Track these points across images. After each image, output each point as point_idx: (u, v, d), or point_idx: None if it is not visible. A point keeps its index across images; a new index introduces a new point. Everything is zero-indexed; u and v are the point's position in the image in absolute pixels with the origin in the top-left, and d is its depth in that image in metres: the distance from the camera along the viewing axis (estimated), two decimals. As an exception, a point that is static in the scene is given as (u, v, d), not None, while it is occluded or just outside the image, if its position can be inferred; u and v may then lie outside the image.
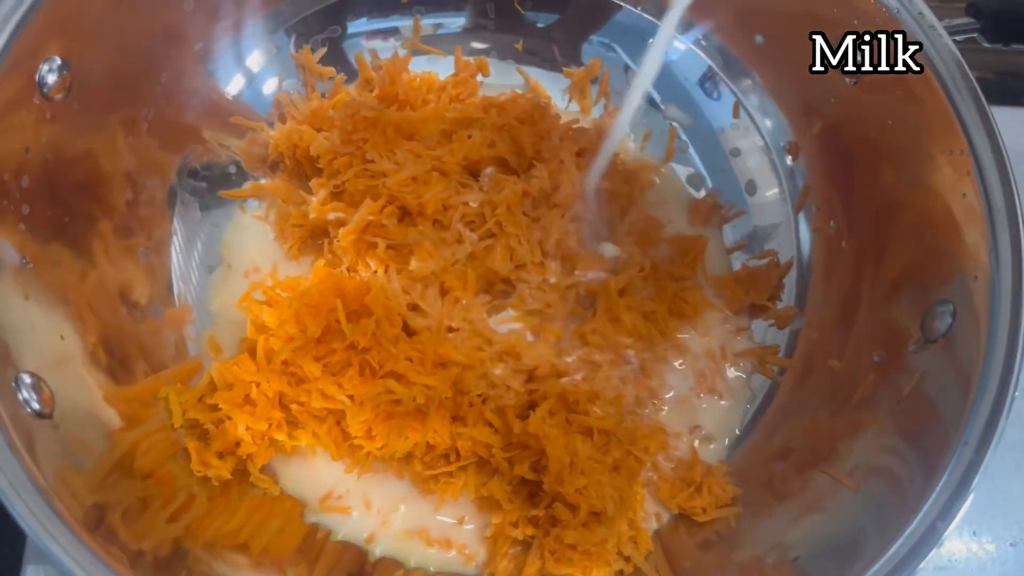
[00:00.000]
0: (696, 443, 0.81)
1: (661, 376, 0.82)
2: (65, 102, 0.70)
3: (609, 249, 0.86)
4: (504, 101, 0.87)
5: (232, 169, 0.88)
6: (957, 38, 0.75)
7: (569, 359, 0.80)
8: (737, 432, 0.82)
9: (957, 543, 0.86)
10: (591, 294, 0.82)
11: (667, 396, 0.82)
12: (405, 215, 0.82)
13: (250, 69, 0.88)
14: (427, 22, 0.95)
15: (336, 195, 0.82)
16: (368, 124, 0.83)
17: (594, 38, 0.95)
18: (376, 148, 0.82)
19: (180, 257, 0.83)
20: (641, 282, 0.84)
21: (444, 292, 0.78)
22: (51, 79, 0.68)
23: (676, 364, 0.83)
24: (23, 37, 0.65)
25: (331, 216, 0.81)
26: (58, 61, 0.69)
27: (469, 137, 0.84)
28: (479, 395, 0.74)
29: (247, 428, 0.73)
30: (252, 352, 0.75)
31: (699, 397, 0.82)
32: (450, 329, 0.77)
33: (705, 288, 0.87)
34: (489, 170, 0.83)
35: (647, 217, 0.88)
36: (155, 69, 0.80)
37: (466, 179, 0.83)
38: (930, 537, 0.59)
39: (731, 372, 0.84)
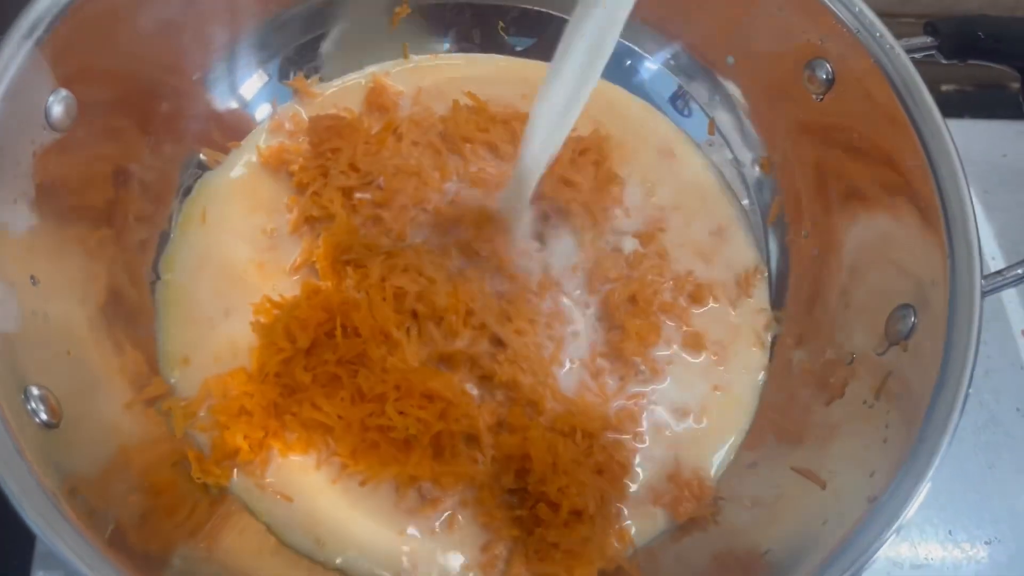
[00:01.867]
0: (697, 443, 0.83)
1: (665, 376, 0.85)
2: (71, 130, 0.74)
3: (628, 243, 0.90)
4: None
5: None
6: (915, 56, 0.79)
7: (570, 375, 0.84)
8: (740, 430, 0.85)
9: (933, 543, 0.90)
10: (605, 303, 0.86)
11: (667, 397, 0.84)
12: (378, 221, 0.86)
13: (243, 96, 0.92)
14: (413, 49, 0.98)
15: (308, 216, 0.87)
16: (333, 134, 0.86)
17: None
18: (346, 158, 0.85)
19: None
20: (658, 276, 0.87)
21: (438, 318, 0.80)
22: (57, 110, 0.72)
23: (688, 358, 0.86)
24: (31, 68, 0.69)
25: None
26: (63, 92, 0.73)
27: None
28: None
29: (245, 437, 0.76)
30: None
31: (704, 395, 0.85)
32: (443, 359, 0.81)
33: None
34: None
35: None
36: (157, 96, 0.85)
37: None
38: (889, 522, 0.62)
39: (736, 366, 0.87)
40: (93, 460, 0.68)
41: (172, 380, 0.81)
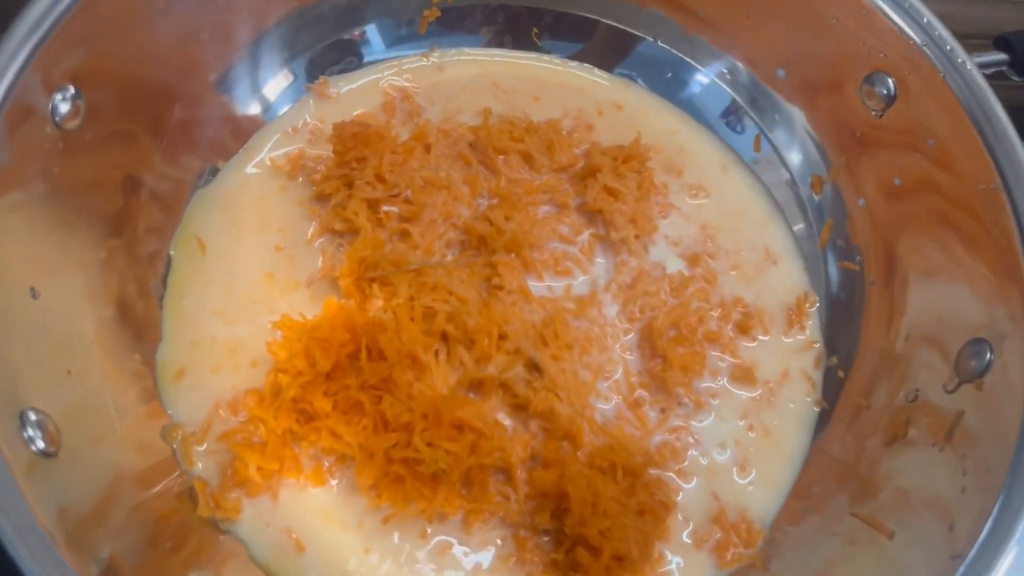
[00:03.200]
0: (745, 484, 0.77)
1: (709, 409, 0.79)
2: (78, 131, 0.69)
3: (673, 263, 0.84)
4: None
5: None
6: (986, 72, 0.74)
7: (608, 405, 0.78)
8: (791, 469, 0.78)
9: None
10: (647, 330, 0.80)
11: (711, 433, 0.78)
12: (406, 236, 0.80)
13: (267, 97, 0.87)
14: (443, 51, 0.93)
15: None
16: (358, 142, 0.81)
17: (617, 69, 0.94)
18: (372, 168, 0.80)
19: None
20: (704, 303, 0.82)
21: (469, 341, 0.75)
22: (64, 108, 0.67)
23: (735, 392, 0.80)
24: (37, 64, 0.64)
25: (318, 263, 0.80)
26: (72, 90, 0.67)
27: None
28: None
29: (258, 468, 0.70)
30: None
31: (750, 433, 0.79)
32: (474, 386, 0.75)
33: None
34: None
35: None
36: (170, 99, 0.79)
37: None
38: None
39: (786, 403, 0.81)
40: (92, 492, 0.62)
41: (167, 393, 0.75)
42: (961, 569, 0.57)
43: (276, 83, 0.87)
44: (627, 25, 0.92)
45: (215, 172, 0.84)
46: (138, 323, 0.74)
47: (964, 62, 0.73)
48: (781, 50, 0.86)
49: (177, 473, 0.71)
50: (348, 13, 0.88)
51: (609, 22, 0.93)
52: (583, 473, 0.71)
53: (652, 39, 0.93)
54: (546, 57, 0.95)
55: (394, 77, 0.92)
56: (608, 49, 0.93)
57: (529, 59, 0.95)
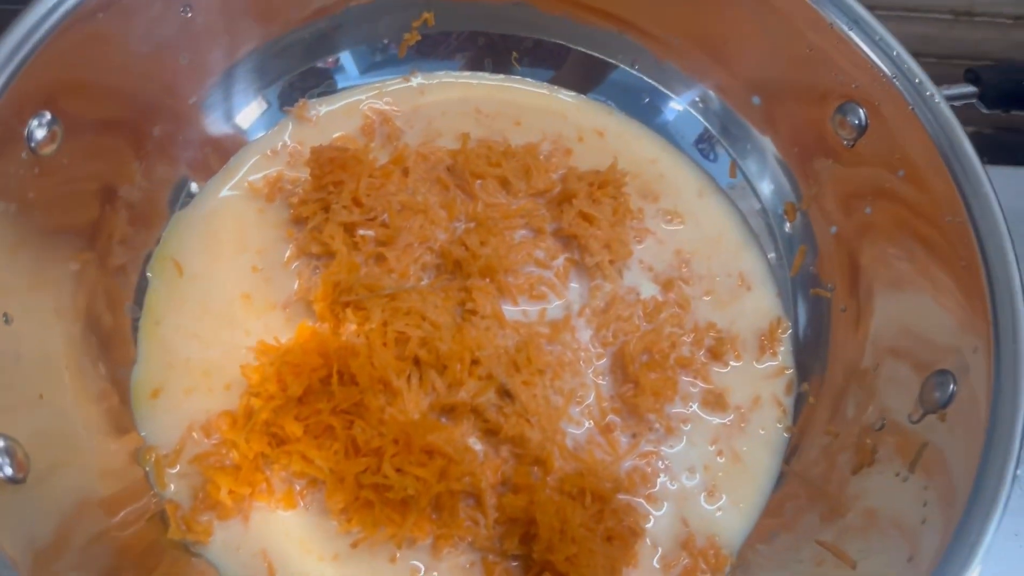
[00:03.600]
0: (713, 510, 0.78)
1: (680, 435, 0.80)
2: (54, 157, 0.69)
3: (647, 288, 0.85)
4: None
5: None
6: (955, 104, 0.75)
7: (580, 430, 0.78)
8: (760, 496, 0.79)
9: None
10: (619, 355, 0.81)
11: (682, 459, 0.79)
12: (381, 260, 0.81)
13: (240, 125, 0.88)
14: (425, 75, 0.94)
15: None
16: (336, 166, 0.81)
17: (591, 95, 0.95)
18: (349, 192, 0.81)
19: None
20: (677, 328, 0.83)
21: (441, 366, 0.75)
22: (40, 134, 0.67)
23: (706, 417, 0.81)
24: (14, 91, 0.64)
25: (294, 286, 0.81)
26: (47, 116, 0.68)
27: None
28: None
29: (229, 492, 0.71)
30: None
31: (720, 459, 0.79)
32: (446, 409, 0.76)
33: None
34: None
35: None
36: (148, 122, 0.80)
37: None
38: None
39: (756, 428, 0.81)
40: (60, 518, 0.62)
41: (140, 414, 0.75)
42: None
43: (250, 110, 0.88)
44: (601, 52, 0.93)
45: (191, 193, 0.84)
46: (109, 342, 0.75)
47: (932, 95, 0.73)
48: (755, 79, 0.87)
49: (145, 499, 0.71)
50: (321, 40, 0.89)
51: (583, 49, 0.93)
52: (552, 499, 0.71)
53: (626, 66, 0.93)
54: (530, 81, 0.95)
55: (374, 100, 0.92)
56: (582, 75, 0.94)
57: (512, 83, 0.96)
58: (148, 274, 0.81)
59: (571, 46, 0.93)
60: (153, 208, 0.82)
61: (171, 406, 0.75)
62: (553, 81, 0.95)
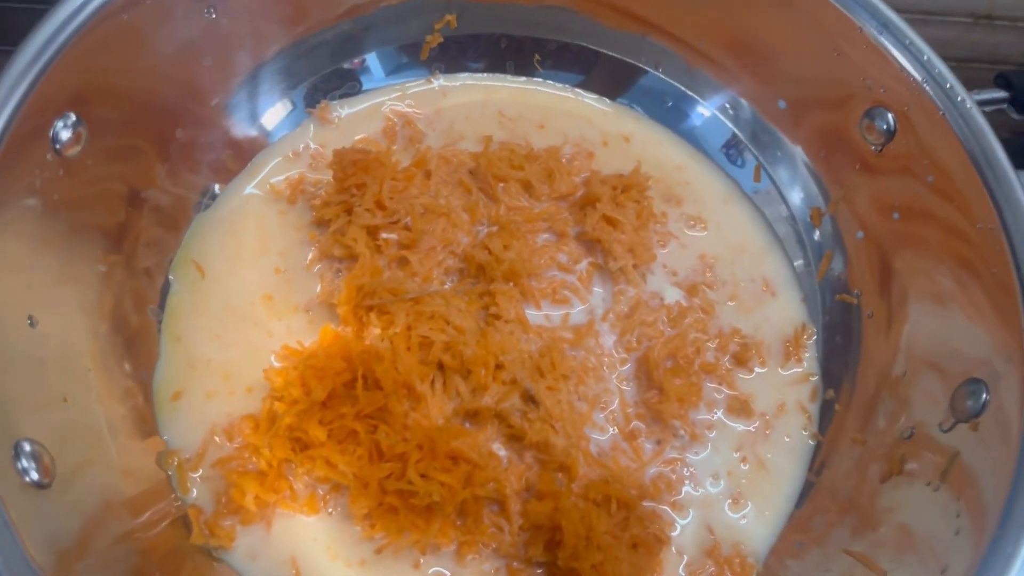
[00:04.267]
0: (738, 518, 0.77)
1: (706, 442, 0.79)
2: (79, 158, 0.69)
3: (671, 293, 0.84)
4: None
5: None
6: (986, 109, 0.74)
7: (604, 436, 0.77)
8: (786, 504, 0.78)
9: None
10: (644, 360, 0.80)
11: (707, 466, 0.78)
12: (404, 263, 0.80)
13: (265, 125, 0.87)
14: (447, 77, 0.94)
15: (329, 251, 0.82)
16: (358, 168, 0.81)
17: (618, 99, 0.95)
18: (371, 195, 0.80)
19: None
20: (702, 333, 0.82)
21: (466, 371, 0.75)
22: (65, 135, 0.67)
23: (732, 424, 0.80)
24: (39, 92, 0.64)
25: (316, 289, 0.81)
26: (72, 117, 0.68)
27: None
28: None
29: (255, 498, 0.70)
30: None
31: (745, 466, 0.78)
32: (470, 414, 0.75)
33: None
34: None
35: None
36: (171, 124, 0.80)
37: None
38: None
39: (781, 435, 0.80)
40: (85, 519, 0.62)
41: (162, 417, 0.75)
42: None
43: (275, 112, 0.87)
44: (629, 56, 0.93)
45: (214, 195, 0.84)
46: (134, 344, 0.75)
47: (964, 100, 0.72)
48: (782, 84, 0.86)
49: (168, 501, 0.70)
50: (347, 42, 0.89)
51: (611, 53, 0.93)
52: (577, 506, 0.71)
53: (654, 70, 0.93)
54: (553, 84, 0.95)
55: (396, 103, 0.92)
56: (610, 79, 0.93)
57: (536, 86, 0.95)
58: (170, 277, 0.80)
59: (598, 49, 0.93)
60: (178, 210, 0.82)
61: (193, 409, 0.75)
62: (581, 86, 0.95)
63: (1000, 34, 1.15)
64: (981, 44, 1.15)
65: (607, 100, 0.94)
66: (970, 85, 0.75)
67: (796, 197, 0.89)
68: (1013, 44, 1.16)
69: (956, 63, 0.75)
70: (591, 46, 0.93)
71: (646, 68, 0.93)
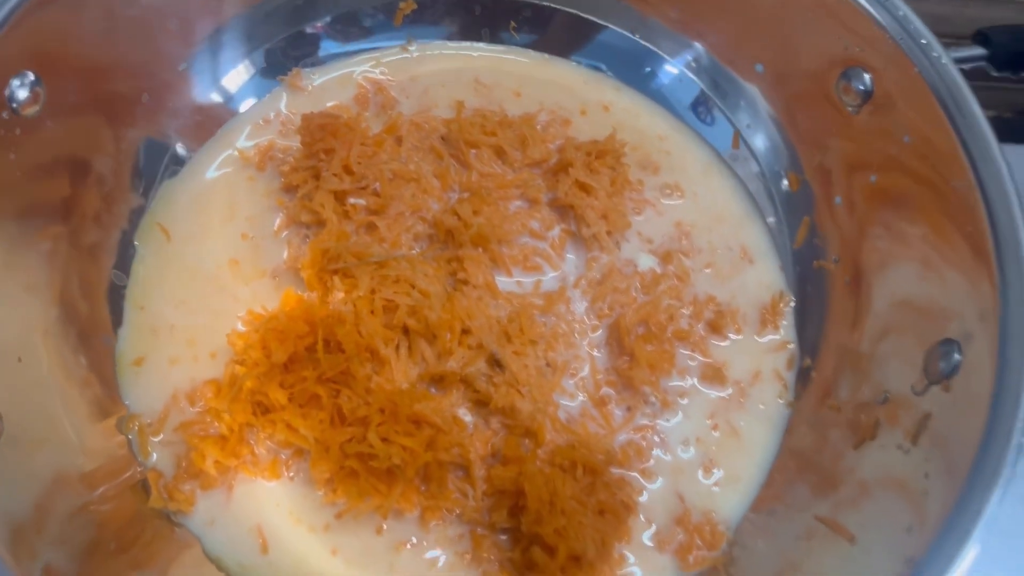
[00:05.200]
0: (710, 485, 0.75)
1: (677, 409, 0.77)
2: (37, 119, 0.68)
3: (645, 260, 0.83)
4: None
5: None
6: (964, 67, 0.72)
7: (573, 402, 0.76)
8: (758, 471, 0.76)
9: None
10: (615, 327, 0.78)
11: (678, 433, 0.76)
12: (372, 229, 0.79)
13: (227, 89, 0.87)
14: (422, 44, 0.93)
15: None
16: (326, 133, 0.80)
17: (580, 59, 0.93)
18: (339, 160, 0.79)
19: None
20: (675, 300, 0.80)
21: (431, 335, 0.74)
22: (22, 95, 0.66)
23: (704, 391, 0.78)
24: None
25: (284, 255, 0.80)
26: (31, 76, 0.67)
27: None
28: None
29: (215, 462, 0.69)
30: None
31: (717, 433, 0.77)
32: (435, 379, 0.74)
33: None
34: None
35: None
36: (136, 88, 0.79)
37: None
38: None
39: (756, 403, 0.79)
40: (35, 484, 0.61)
41: (124, 382, 0.74)
42: (914, 572, 0.55)
43: (237, 75, 0.87)
44: (590, 13, 0.91)
45: (183, 162, 0.83)
46: (93, 312, 0.74)
47: (940, 56, 0.70)
48: (755, 42, 0.84)
49: (128, 471, 0.69)
50: (308, 4, 0.87)
51: (570, 10, 0.92)
52: (542, 471, 0.69)
53: (616, 27, 0.92)
54: (533, 53, 0.94)
55: (370, 70, 0.91)
56: (564, 38, 0.92)
57: (514, 55, 0.94)
58: (135, 243, 0.79)
59: (562, 8, 0.92)
60: (144, 176, 0.81)
61: (155, 374, 0.74)
62: (537, 44, 0.93)
63: (995, 9, 1.13)
64: (977, 20, 1.13)
65: (586, 69, 0.93)
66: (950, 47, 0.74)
67: (771, 159, 0.87)
68: (1008, 18, 1.13)
69: (953, 39, 0.74)
70: (559, 6, 0.91)
71: (604, 24, 0.92)
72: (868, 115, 0.76)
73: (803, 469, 0.74)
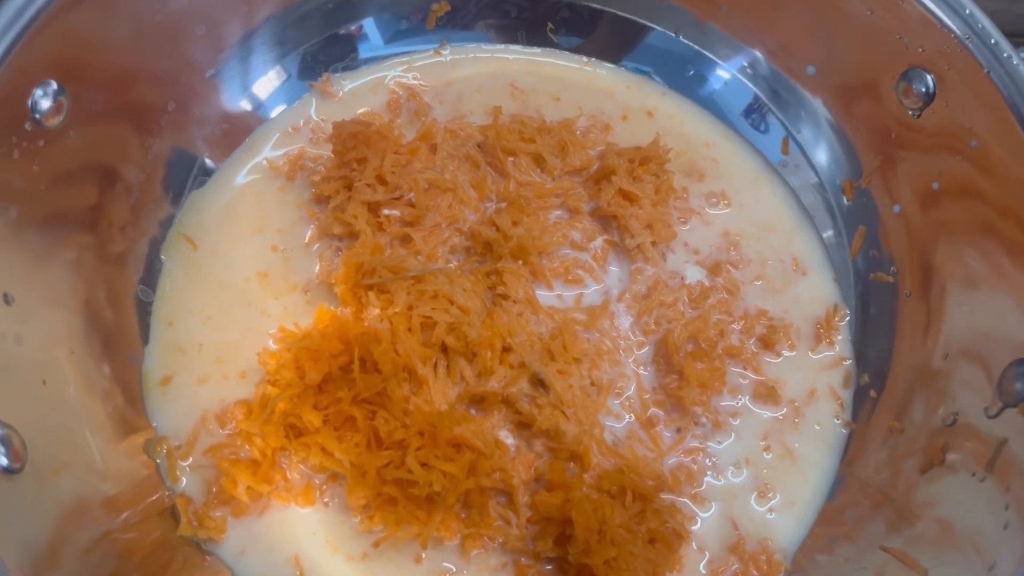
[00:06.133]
0: (765, 511, 0.71)
1: (729, 430, 0.74)
2: (61, 129, 0.65)
3: (692, 272, 0.79)
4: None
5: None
6: (1036, 69, 0.68)
7: (620, 424, 0.72)
8: (816, 497, 0.73)
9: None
10: (662, 343, 0.75)
11: (730, 455, 0.73)
12: (407, 241, 0.76)
13: (259, 97, 0.84)
14: (456, 47, 0.89)
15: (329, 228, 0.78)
16: (359, 142, 0.76)
17: (628, 63, 0.90)
18: (372, 169, 0.76)
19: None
20: (725, 315, 0.77)
21: (471, 354, 0.70)
22: (45, 104, 0.64)
23: (758, 412, 0.75)
24: (16, 57, 0.61)
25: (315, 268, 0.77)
26: (54, 86, 0.64)
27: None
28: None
29: (247, 488, 0.66)
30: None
31: (771, 456, 0.73)
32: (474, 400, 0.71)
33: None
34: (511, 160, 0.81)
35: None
36: (162, 96, 0.76)
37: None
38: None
39: (811, 424, 0.75)
40: (59, 513, 0.58)
41: (151, 403, 0.71)
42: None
43: (268, 81, 0.84)
44: (639, 16, 0.88)
45: (210, 171, 0.80)
46: (120, 328, 0.71)
47: (1010, 57, 0.67)
48: (810, 44, 0.80)
49: (151, 497, 0.67)
50: (343, 6, 0.84)
51: (625, 14, 0.88)
52: (589, 497, 0.66)
53: (664, 29, 0.88)
54: (571, 55, 0.90)
55: (402, 75, 0.87)
56: (612, 41, 0.88)
57: (552, 58, 0.90)
58: (162, 257, 0.76)
59: (605, 8, 0.88)
60: (170, 187, 0.78)
61: (183, 395, 0.71)
62: (582, 48, 0.89)
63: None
64: (1028, 16, 1.09)
65: (629, 73, 0.89)
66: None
67: (826, 166, 0.83)
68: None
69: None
70: (605, 7, 0.88)
71: (652, 26, 0.88)
72: (930, 119, 0.72)
73: (863, 495, 0.70)
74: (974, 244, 0.69)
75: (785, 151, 0.85)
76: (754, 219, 0.83)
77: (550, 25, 0.89)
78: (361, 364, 0.68)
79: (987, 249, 0.68)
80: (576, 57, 0.90)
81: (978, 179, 0.69)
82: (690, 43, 0.87)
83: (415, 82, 0.87)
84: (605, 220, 0.80)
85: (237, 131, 0.82)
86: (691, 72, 0.88)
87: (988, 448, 0.62)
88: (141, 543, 0.63)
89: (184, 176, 0.79)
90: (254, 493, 0.67)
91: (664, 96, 0.89)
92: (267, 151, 0.82)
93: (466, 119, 0.85)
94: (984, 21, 0.68)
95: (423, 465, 0.65)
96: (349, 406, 0.67)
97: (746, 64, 0.86)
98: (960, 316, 0.70)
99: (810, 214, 0.83)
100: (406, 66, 0.88)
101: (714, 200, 0.83)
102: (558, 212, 0.81)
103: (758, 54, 0.85)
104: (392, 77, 0.87)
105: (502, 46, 0.90)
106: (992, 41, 0.67)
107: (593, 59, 0.90)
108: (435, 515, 0.65)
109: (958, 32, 0.68)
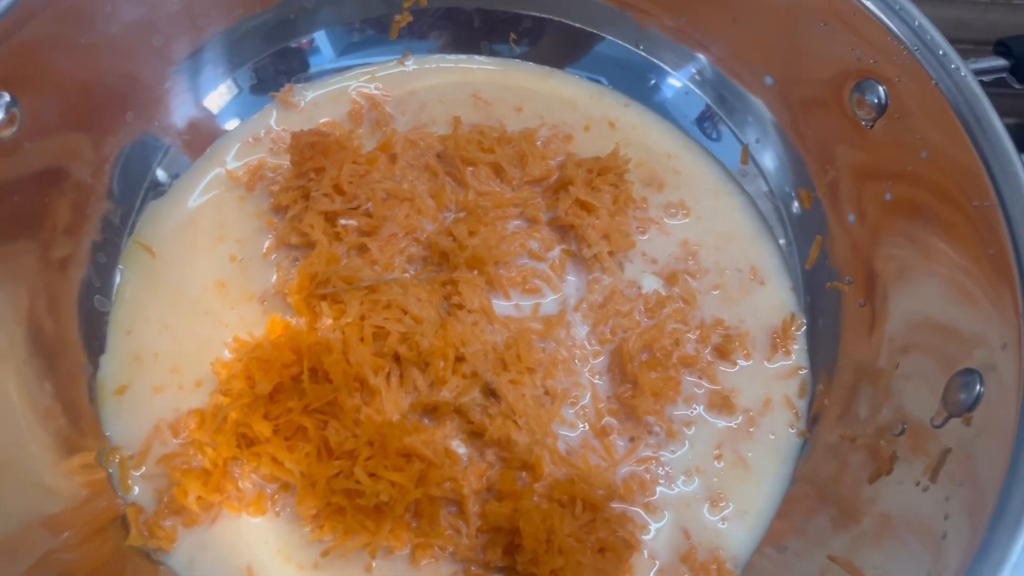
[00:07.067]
0: (717, 520, 0.71)
1: (683, 439, 0.74)
2: (16, 140, 0.66)
3: (649, 282, 0.79)
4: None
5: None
6: (984, 79, 0.68)
7: (573, 433, 0.73)
8: (768, 506, 0.73)
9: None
10: (618, 352, 0.75)
11: (683, 465, 0.73)
12: (364, 251, 0.76)
13: (210, 110, 0.84)
14: (420, 58, 0.90)
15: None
16: (316, 152, 0.77)
17: (576, 72, 0.90)
18: (330, 179, 0.76)
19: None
20: (681, 324, 0.77)
21: (423, 364, 0.71)
22: (-4, 116, 0.64)
23: (712, 421, 0.75)
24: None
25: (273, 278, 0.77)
26: (6, 98, 0.64)
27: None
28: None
29: (197, 498, 0.66)
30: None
31: (722, 464, 0.73)
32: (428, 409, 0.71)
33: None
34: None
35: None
36: (121, 106, 0.76)
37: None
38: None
39: (766, 433, 0.75)
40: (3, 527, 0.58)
41: (105, 412, 0.71)
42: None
43: (219, 95, 0.84)
44: (588, 25, 0.88)
45: (170, 182, 0.80)
46: (60, 337, 0.71)
47: (958, 68, 0.67)
48: (763, 53, 0.81)
49: (101, 511, 0.67)
50: (290, 23, 0.85)
51: (584, 27, 0.89)
52: (538, 507, 0.66)
53: (612, 38, 0.89)
54: (534, 66, 0.90)
55: (364, 85, 0.88)
56: (559, 50, 0.89)
57: (516, 68, 0.91)
58: (120, 267, 0.77)
59: (562, 20, 0.89)
60: (128, 197, 0.78)
61: (138, 404, 0.72)
62: (529, 55, 0.90)
63: (1017, 14, 1.09)
64: (997, 26, 1.09)
65: (592, 84, 0.90)
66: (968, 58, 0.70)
67: (780, 176, 0.83)
68: (1033, 26, 1.09)
69: (972, 45, 0.70)
70: (568, 21, 0.88)
71: (602, 35, 0.89)
72: (883, 129, 0.73)
73: (815, 504, 0.70)
74: (924, 255, 0.69)
75: (745, 161, 0.85)
76: (713, 229, 0.83)
77: (513, 36, 0.90)
78: (312, 374, 0.68)
79: (935, 260, 0.67)
80: (539, 67, 0.90)
81: (928, 190, 0.69)
82: (640, 51, 0.88)
83: (377, 92, 0.87)
84: (563, 230, 0.80)
85: (197, 141, 0.82)
86: (650, 82, 0.88)
87: (932, 457, 0.62)
88: (91, 555, 0.63)
89: (142, 186, 0.79)
90: (204, 503, 0.67)
91: (627, 107, 0.89)
92: (227, 161, 0.82)
93: (428, 129, 0.85)
94: (933, 32, 0.68)
95: (371, 475, 0.65)
96: (300, 416, 0.67)
97: (695, 72, 0.86)
98: (909, 326, 0.70)
99: (768, 224, 0.83)
100: (369, 76, 0.89)
101: (673, 210, 0.83)
102: (516, 222, 0.81)
103: (705, 61, 0.85)
104: (354, 87, 0.88)
105: (465, 56, 0.91)
106: (940, 52, 0.67)
107: (556, 70, 0.90)
108: (383, 525, 0.65)
109: (907, 43, 0.69)
